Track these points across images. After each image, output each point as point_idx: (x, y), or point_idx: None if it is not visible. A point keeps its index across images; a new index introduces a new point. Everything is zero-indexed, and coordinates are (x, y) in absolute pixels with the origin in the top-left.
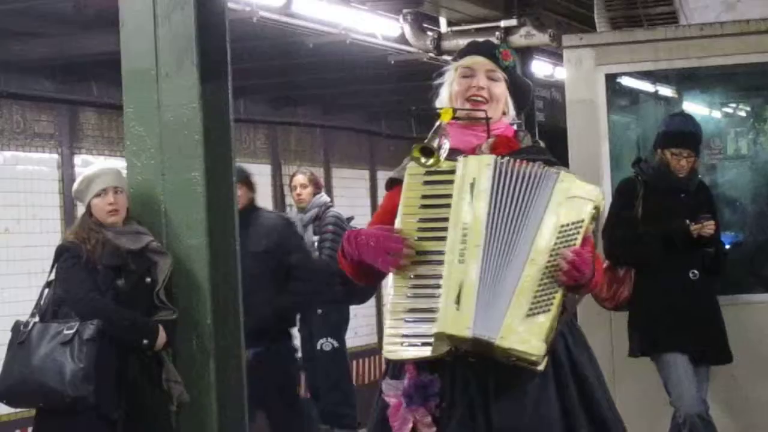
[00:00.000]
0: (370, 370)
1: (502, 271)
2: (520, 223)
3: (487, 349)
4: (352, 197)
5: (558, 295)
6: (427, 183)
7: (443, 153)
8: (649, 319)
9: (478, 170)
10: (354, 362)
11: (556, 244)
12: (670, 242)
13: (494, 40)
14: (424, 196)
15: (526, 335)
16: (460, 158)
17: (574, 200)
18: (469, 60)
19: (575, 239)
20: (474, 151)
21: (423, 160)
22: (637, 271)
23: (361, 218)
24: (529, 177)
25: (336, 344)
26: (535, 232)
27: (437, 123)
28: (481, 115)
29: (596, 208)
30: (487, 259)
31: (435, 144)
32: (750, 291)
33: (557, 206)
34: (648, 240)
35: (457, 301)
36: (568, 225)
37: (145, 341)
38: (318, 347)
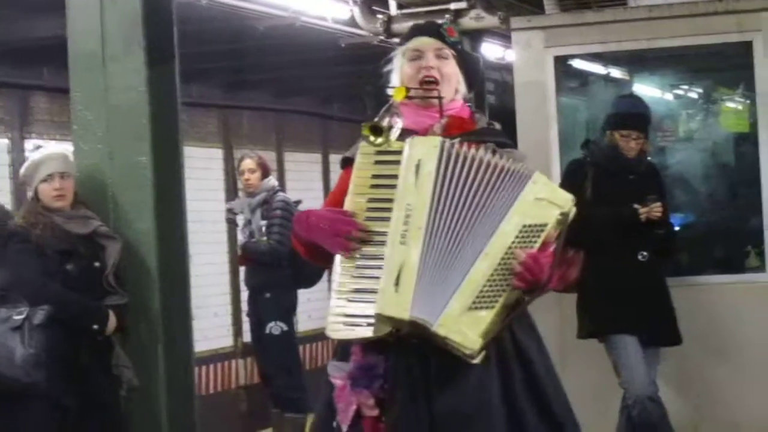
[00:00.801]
0: (323, 354)
1: (450, 257)
2: (477, 212)
3: (425, 332)
4: (305, 181)
5: (506, 295)
6: (377, 162)
7: (395, 132)
8: (598, 301)
9: (424, 152)
10: (307, 346)
11: (514, 242)
12: (619, 225)
13: (451, 22)
14: (375, 176)
15: (464, 327)
16: (408, 139)
17: (542, 203)
18: (415, 42)
19: (535, 242)
20: (427, 131)
21: (372, 138)
22: (586, 253)
23: (314, 201)
24: (495, 170)
25: (285, 328)
26: (495, 226)
27: (389, 102)
28: (434, 94)
29: (563, 214)
30: (431, 242)
31: (385, 123)
32: (700, 272)
33: (524, 205)
34: (597, 222)
35: (397, 283)
36: (530, 226)
37: (95, 326)
38: (267, 331)
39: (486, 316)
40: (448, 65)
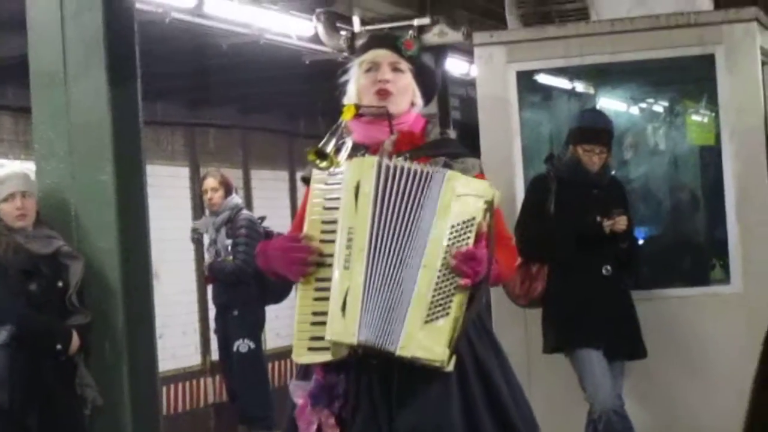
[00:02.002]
0: (291, 371)
1: (395, 276)
2: (410, 226)
3: (390, 356)
4: (271, 198)
5: (457, 297)
6: (328, 184)
7: (344, 152)
8: (562, 316)
9: (361, 173)
10: (275, 363)
11: (448, 245)
12: (583, 238)
13: (410, 35)
14: (327, 198)
15: (426, 342)
16: (345, 162)
17: (464, 198)
18: (371, 54)
19: (468, 238)
20: (379, 147)
21: (318, 162)
22: (551, 268)
23: (281, 219)
24: (416, 178)
25: (252, 345)
26: (426, 235)
27: (337, 122)
28: (383, 111)
29: (487, 203)
30: (374, 263)
31: (331, 144)
32: (665, 285)
33: (446, 207)
34: (560, 236)
35: (343, 308)
36: (459, 224)
37: (59, 346)
38: (235, 349)
39: (445, 325)
40: (404, 78)
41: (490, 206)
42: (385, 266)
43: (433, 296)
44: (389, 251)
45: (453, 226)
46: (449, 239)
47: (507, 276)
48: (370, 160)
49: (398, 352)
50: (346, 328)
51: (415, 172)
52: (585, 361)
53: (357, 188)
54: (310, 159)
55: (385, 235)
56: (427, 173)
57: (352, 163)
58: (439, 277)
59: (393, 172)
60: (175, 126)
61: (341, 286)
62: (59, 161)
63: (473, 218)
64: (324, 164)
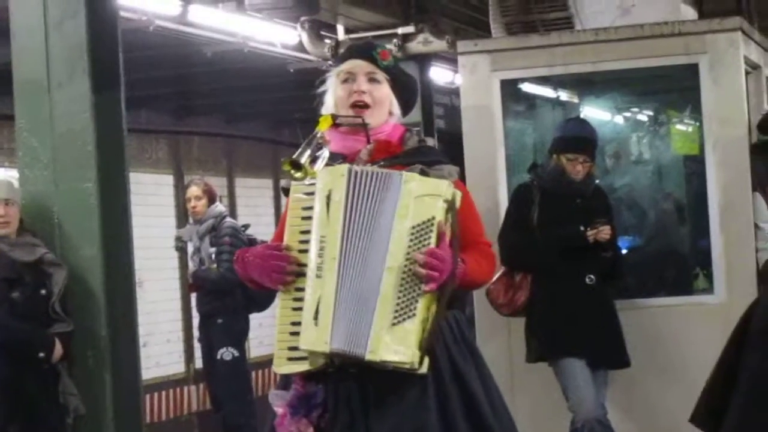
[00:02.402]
0: (274, 380)
1: (363, 282)
2: (373, 230)
3: (360, 361)
4: (256, 206)
5: (423, 298)
6: (306, 194)
7: (320, 162)
8: (546, 325)
9: (332, 181)
10: (260, 371)
11: (410, 247)
12: (566, 248)
13: (392, 47)
14: (304, 208)
15: (394, 345)
16: (319, 171)
17: (422, 199)
18: (348, 65)
19: (429, 238)
20: (356, 156)
21: (293, 172)
22: (534, 277)
23: (266, 227)
24: (377, 181)
25: (236, 354)
26: (387, 238)
27: (314, 132)
28: (359, 122)
29: (447, 201)
30: (344, 271)
31: (306, 154)
32: (648, 295)
33: (405, 208)
34: (544, 246)
35: (315, 317)
36: (419, 225)
37: (41, 354)
38: (218, 357)
39: (412, 326)
40: (381, 89)
41: (450, 205)
42: (354, 273)
43: (398, 298)
44: (357, 257)
45: (413, 227)
46: (410, 240)
47: (479, 277)
48: (341, 169)
49: (367, 357)
50: (318, 337)
51: (376, 176)
52: (568, 370)
53: (329, 197)
54: (285, 169)
55: (355, 241)
56: (385, 176)
57: (324, 172)
58: (403, 279)
59: (364, 179)
60: (159, 134)
61: (314, 296)
62: (43, 169)
63: (432, 218)
64: (299, 174)
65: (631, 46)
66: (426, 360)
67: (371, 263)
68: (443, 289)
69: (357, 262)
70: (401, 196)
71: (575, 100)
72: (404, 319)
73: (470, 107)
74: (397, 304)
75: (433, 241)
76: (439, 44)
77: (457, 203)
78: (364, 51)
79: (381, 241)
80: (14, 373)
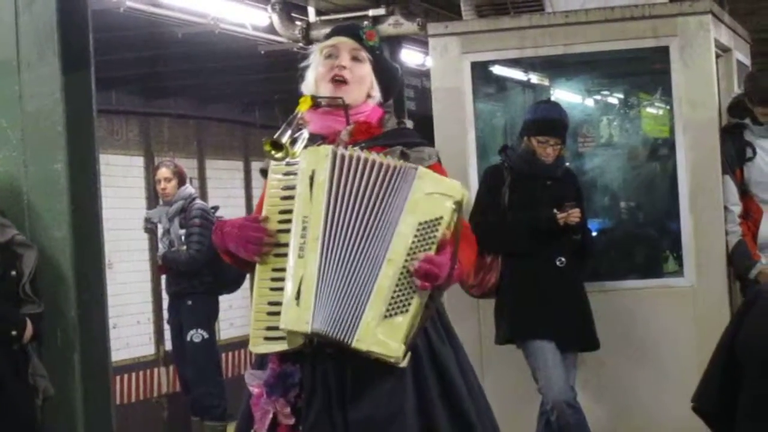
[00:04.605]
0: (245, 362)
1: (353, 266)
2: (375, 218)
3: (343, 346)
4: (226, 188)
5: (417, 296)
6: (285, 174)
7: (300, 143)
8: (516, 307)
9: (316, 162)
10: (230, 353)
11: (414, 242)
12: (537, 230)
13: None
14: (284, 188)
15: (383, 337)
16: (302, 150)
17: (434, 197)
18: (332, 41)
19: (435, 237)
20: (336, 137)
21: (273, 153)
22: (504, 259)
23: (236, 209)
24: (383, 171)
25: (206, 335)
26: (392, 230)
27: (294, 113)
28: (339, 102)
29: (457, 203)
30: (329, 253)
31: (287, 135)
32: (618, 277)
33: (416, 203)
34: (514, 227)
35: (297, 297)
36: (427, 222)
37: (13, 332)
38: (188, 339)
39: (403, 321)
40: (362, 68)
41: (459, 207)
42: (342, 256)
43: (395, 292)
44: (347, 241)
45: (420, 224)
46: (415, 236)
47: (468, 272)
48: (325, 150)
49: (354, 345)
50: (299, 317)
51: (383, 166)
52: (537, 352)
53: (312, 177)
54: (265, 150)
55: (343, 223)
56: (399, 168)
57: (307, 153)
58: (402, 273)
59: (351, 162)
60: (129, 115)
61: (296, 275)
62: (12, 150)
63: (441, 217)
64: (279, 155)
65: (601, 29)
66: (408, 355)
67: (368, 250)
68: (438, 290)
69: (346, 245)
70: (414, 190)
71: (546, 82)
72: (397, 313)
73: (441, 89)
74: (393, 298)
75: (437, 240)
76: (409, 26)
77: (464, 205)
78: (351, 29)
79: (384, 230)
80: None
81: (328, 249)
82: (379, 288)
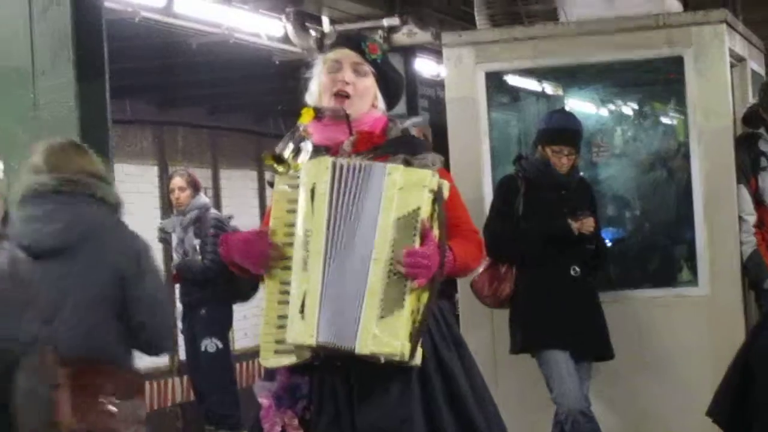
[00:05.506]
0: (258, 372)
1: (348, 274)
2: (358, 222)
3: (350, 354)
4: (240, 197)
5: (410, 291)
6: (291, 187)
7: (304, 155)
8: (530, 316)
9: (316, 174)
10: (244, 363)
11: (395, 238)
12: (551, 239)
13: (377, 38)
14: (289, 201)
15: (384, 337)
16: (303, 163)
17: (407, 189)
18: (336, 53)
19: (415, 229)
20: (339, 147)
21: (275, 166)
22: (519, 268)
23: (250, 218)
24: (360, 173)
25: (220, 345)
26: (373, 231)
27: (296, 125)
28: (341, 113)
29: (432, 191)
30: (330, 264)
31: (289, 148)
32: (632, 287)
33: (389, 200)
34: (529, 237)
35: (302, 310)
36: (404, 216)
37: None
38: (202, 348)
39: (400, 318)
40: (365, 81)
41: (436, 195)
42: (340, 266)
43: (386, 290)
44: (343, 250)
45: (398, 219)
46: (396, 232)
47: (468, 263)
48: (326, 161)
49: (358, 350)
50: (305, 331)
51: (360, 168)
52: (552, 362)
53: (313, 190)
54: (267, 163)
55: (340, 234)
56: (367, 167)
57: (309, 165)
58: (390, 271)
59: (345, 170)
60: (143, 124)
61: (300, 289)
62: (26, 158)
63: (418, 208)
64: (281, 168)
65: (615, 38)
66: (419, 352)
67: (357, 256)
68: (432, 281)
69: (343, 255)
70: (385, 187)
71: (560, 92)
72: (392, 311)
73: (455, 99)
74: (385, 296)
75: (418, 231)
76: (423, 36)
77: (445, 193)
78: (354, 41)
79: (367, 233)
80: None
81: (329, 261)
82: (370, 290)
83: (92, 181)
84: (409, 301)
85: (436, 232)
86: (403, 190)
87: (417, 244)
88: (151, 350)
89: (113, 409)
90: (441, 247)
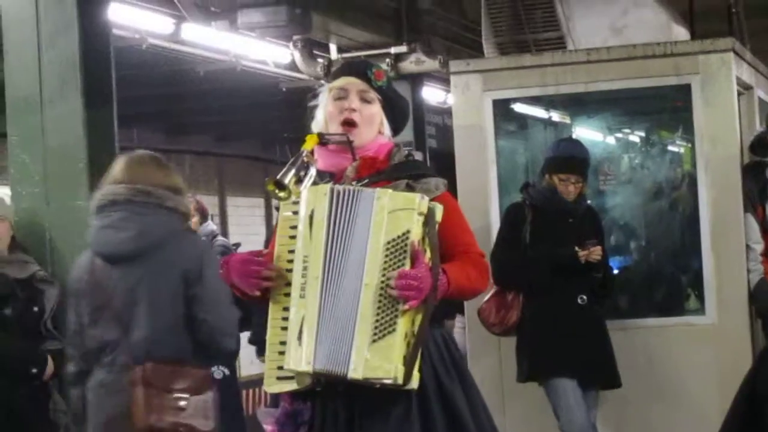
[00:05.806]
0: (266, 398)
1: (342, 300)
2: (351, 249)
3: (344, 380)
4: (247, 225)
5: (402, 315)
6: (294, 213)
7: (307, 181)
8: (537, 344)
9: (315, 201)
10: (252, 390)
11: (386, 263)
12: (558, 267)
13: (384, 66)
14: (292, 227)
15: (376, 361)
16: (304, 190)
17: (396, 213)
18: (341, 81)
19: (405, 252)
20: (343, 173)
21: (277, 192)
22: (526, 296)
23: (257, 246)
24: (352, 199)
25: (227, 372)
26: (363, 254)
27: (299, 152)
28: (345, 140)
29: (422, 214)
30: (326, 291)
31: (290, 174)
32: (640, 315)
33: (379, 225)
34: (536, 265)
35: (299, 337)
36: (394, 240)
37: (34, 370)
38: None
39: (393, 342)
40: (371, 108)
41: (427, 218)
42: (335, 292)
43: (378, 314)
44: (338, 276)
45: (388, 243)
46: (386, 256)
47: (467, 286)
48: (324, 188)
49: (350, 375)
50: (302, 358)
51: (353, 193)
52: (559, 390)
53: (311, 217)
54: (269, 189)
55: (336, 260)
56: (358, 193)
57: (308, 192)
58: (381, 295)
59: (342, 197)
60: (151, 152)
61: (298, 315)
62: (34, 186)
63: (408, 231)
64: (283, 194)
65: (623, 66)
66: (415, 375)
67: (350, 281)
68: (425, 304)
69: (337, 281)
70: (374, 212)
71: (567, 120)
72: (384, 335)
73: (462, 127)
74: (377, 321)
75: (408, 255)
76: (431, 64)
77: (438, 216)
78: (359, 69)
79: (358, 258)
80: (6, 388)
81: (326, 287)
82: (362, 315)
83: (165, 193)
84: (402, 324)
85: (428, 254)
86: (393, 213)
87: (408, 267)
88: (212, 348)
89: (184, 404)
90: (433, 269)
